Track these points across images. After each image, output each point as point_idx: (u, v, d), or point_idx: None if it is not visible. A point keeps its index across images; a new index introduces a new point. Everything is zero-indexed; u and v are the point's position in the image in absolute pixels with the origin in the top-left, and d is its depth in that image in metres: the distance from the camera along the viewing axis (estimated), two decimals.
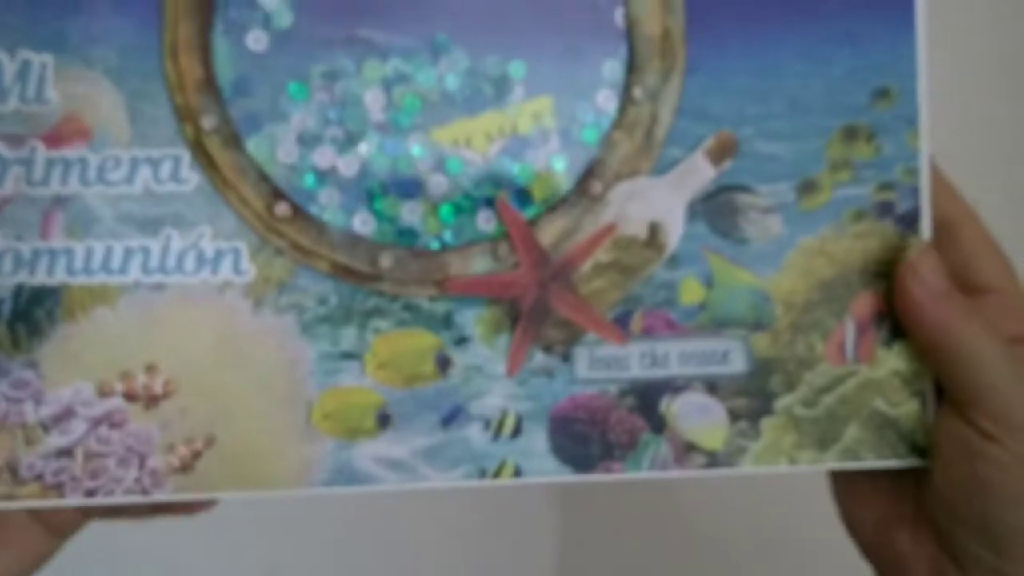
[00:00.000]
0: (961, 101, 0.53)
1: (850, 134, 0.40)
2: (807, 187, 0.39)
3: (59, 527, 0.41)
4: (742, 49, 0.39)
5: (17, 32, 0.36)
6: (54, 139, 0.37)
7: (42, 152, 0.37)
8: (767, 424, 0.39)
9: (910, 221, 0.40)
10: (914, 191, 0.40)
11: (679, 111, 0.39)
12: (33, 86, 0.37)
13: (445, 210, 0.38)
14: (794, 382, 0.39)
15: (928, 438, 0.39)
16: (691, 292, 0.39)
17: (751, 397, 0.39)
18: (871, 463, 0.39)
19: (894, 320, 0.40)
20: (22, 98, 0.36)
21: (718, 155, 0.39)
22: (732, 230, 0.39)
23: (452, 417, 0.38)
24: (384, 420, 0.38)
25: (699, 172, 0.39)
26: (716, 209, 0.39)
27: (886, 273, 0.40)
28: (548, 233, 0.38)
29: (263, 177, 0.37)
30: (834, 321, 0.40)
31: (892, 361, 0.40)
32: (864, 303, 0.40)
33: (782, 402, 0.39)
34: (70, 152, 0.37)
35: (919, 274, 0.38)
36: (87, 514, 0.39)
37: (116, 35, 0.37)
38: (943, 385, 0.38)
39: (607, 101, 0.39)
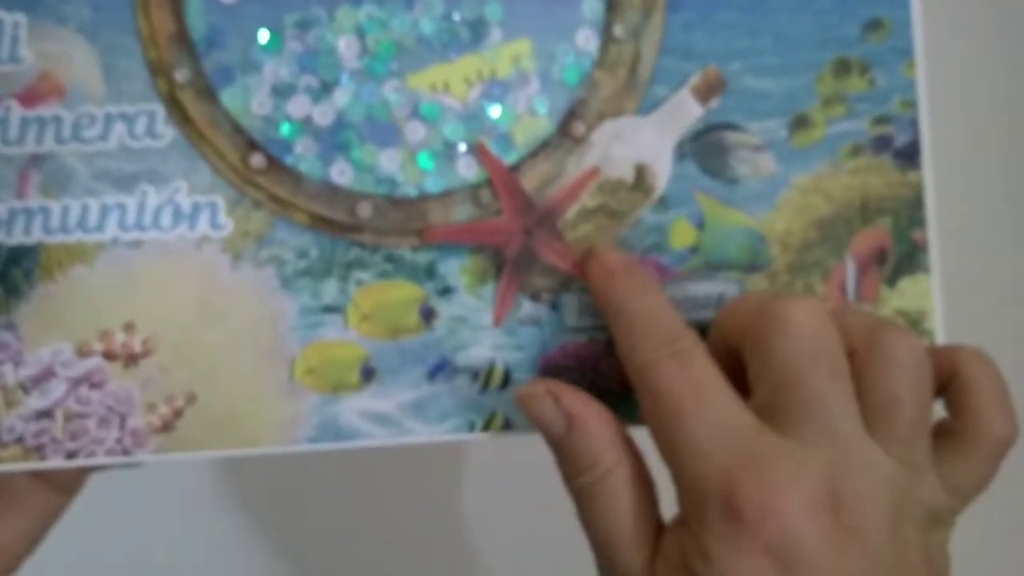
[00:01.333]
0: (955, 29, 0.51)
1: (842, 67, 0.38)
2: (799, 123, 0.37)
3: (65, 484, 0.39)
4: None
5: None
6: (28, 98, 0.36)
7: (17, 111, 0.36)
8: None
9: (909, 155, 0.38)
10: (912, 123, 0.38)
11: (663, 48, 0.37)
12: (6, 46, 0.36)
13: (424, 157, 0.37)
14: None
15: None
16: (682, 235, 0.37)
17: None
18: None
19: (897, 257, 0.38)
20: None
21: (705, 92, 0.38)
22: (723, 170, 0.37)
23: (438, 369, 0.37)
24: (369, 374, 0.36)
25: (686, 110, 0.37)
26: (705, 148, 0.37)
27: (886, 209, 0.38)
28: (531, 178, 0.37)
29: (238, 129, 0.36)
30: (833, 261, 0.38)
31: (896, 300, 0.38)
32: (864, 241, 0.38)
33: None
34: (45, 110, 0.36)
35: (596, 256, 0.35)
36: (85, 469, 0.39)
37: None
38: None
39: (587, 41, 0.37)
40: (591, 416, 0.33)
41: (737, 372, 0.33)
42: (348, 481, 0.57)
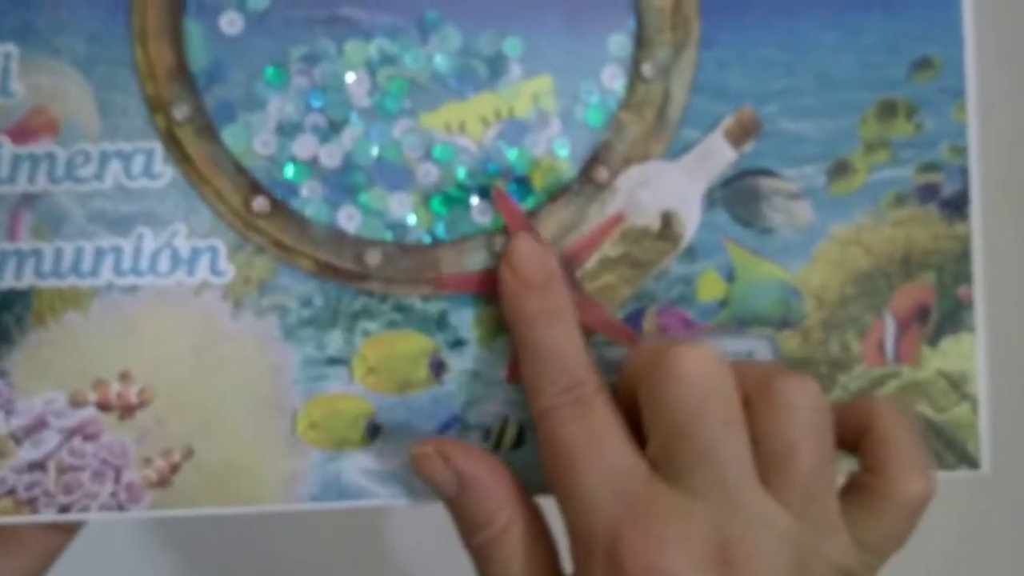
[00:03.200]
0: (1012, 70, 0.48)
1: (887, 110, 0.34)
2: (839, 169, 0.34)
3: (65, 524, 0.37)
4: (764, 18, 0.34)
5: None
6: (21, 134, 0.34)
7: (8, 148, 0.33)
8: None
9: (957, 205, 0.34)
10: (962, 171, 0.34)
11: (694, 88, 0.34)
12: None
13: (436, 202, 0.34)
14: (828, 385, 0.34)
15: (979, 446, 0.35)
16: (710, 287, 0.35)
17: None
18: None
19: (940, 315, 0.36)
20: None
21: (739, 135, 0.35)
22: (755, 218, 0.34)
23: (448, 426, 0.34)
24: (374, 430, 0.34)
25: (718, 155, 0.34)
26: (737, 195, 0.34)
27: (930, 264, 0.35)
28: (549, 225, 0.34)
29: (240, 170, 0.33)
30: (872, 317, 0.35)
31: (938, 361, 0.35)
32: (906, 297, 0.35)
33: None
34: (37, 147, 0.34)
35: (511, 260, 0.33)
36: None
37: (83, 22, 0.32)
38: None
39: (613, 79, 0.34)
40: (482, 475, 0.32)
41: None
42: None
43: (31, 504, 0.34)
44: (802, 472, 0.30)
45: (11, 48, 0.33)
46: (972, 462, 0.35)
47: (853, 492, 0.31)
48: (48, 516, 0.34)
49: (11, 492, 0.34)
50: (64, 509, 0.34)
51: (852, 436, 0.31)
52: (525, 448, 0.34)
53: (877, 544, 0.31)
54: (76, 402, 0.34)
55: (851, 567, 0.30)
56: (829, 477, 0.30)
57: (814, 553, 0.30)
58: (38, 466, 0.34)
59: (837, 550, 0.30)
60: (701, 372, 0.30)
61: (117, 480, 0.34)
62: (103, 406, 0.34)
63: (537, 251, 0.33)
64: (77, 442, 0.34)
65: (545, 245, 0.33)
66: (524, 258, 0.33)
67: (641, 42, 0.34)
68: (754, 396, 0.30)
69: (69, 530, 0.38)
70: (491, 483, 0.32)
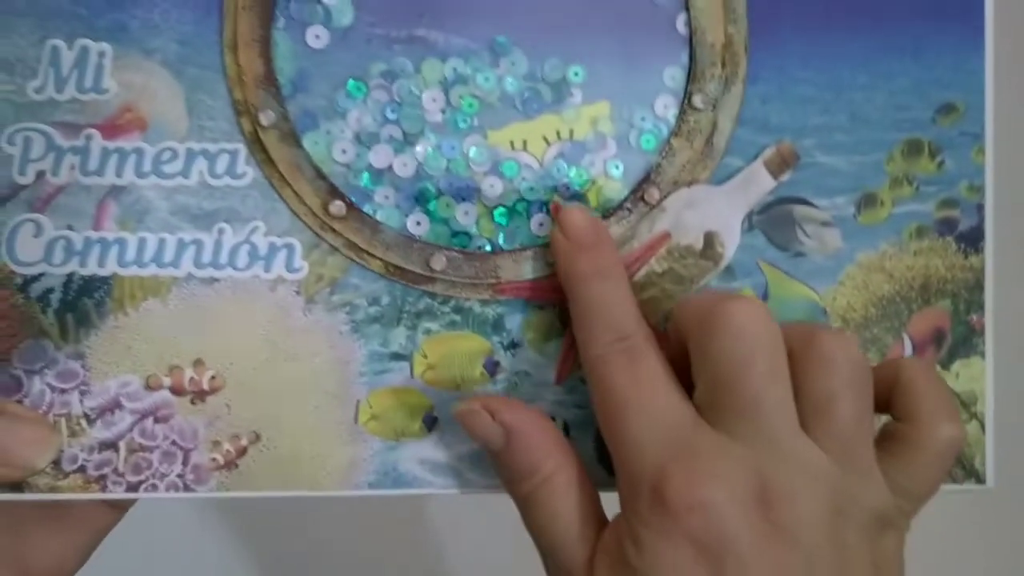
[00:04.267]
0: None
1: (913, 149, 0.37)
2: (867, 201, 0.37)
3: (118, 502, 0.39)
4: (804, 59, 0.37)
5: (76, 21, 0.34)
6: (110, 129, 0.36)
7: (98, 142, 0.35)
8: None
9: (973, 239, 0.37)
10: (978, 209, 0.37)
11: (740, 120, 0.36)
12: (91, 75, 0.36)
13: (499, 213, 0.36)
14: None
15: (985, 462, 0.38)
16: None
17: None
18: None
19: (953, 340, 0.39)
20: (79, 87, 0.34)
21: (778, 166, 0.37)
22: (789, 243, 0.37)
23: None
24: (431, 423, 0.36)
25: (758, 182, 0.37)
26: (774, 221, 0.37)
27: (946, 291, 0.39)
28: None
29: (319, 174, 0.35)
30: (892, 339, 0.37)
31: (950, 381, 0.37)
32: (922, 322, 0.37)
33: None
34: (126, 143, 0.35)
35: (564, 225, 0.34)
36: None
37: (176, 26, 0.34)
38: None
39: (666, 108, 0.36)
40: (528, 425, 0.33)
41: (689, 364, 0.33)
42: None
43: (100, 482, 0.35)
44: (841, 420, 0.31)
45: (105, 47, 0.35)
46: (978, 477, 0.38)
47: (887, 440, 0.33)
48: (117, 494, 0.35)
49: (81, 469, 0.35)
50: (132, 488, 0.35)
51: (884, 392, 0.33)
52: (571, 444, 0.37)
53: (912, 489, 0.32)
54: (150, 386, 0.35)
55: (886, 511, 0.31)
56: (867, 427, 0.32)
57: (851, 497, 0.31)
58: (109, 445, 0.35)
59: (873, 495, 0.31)
60: (750, 325, 0.31)
61: (185, 462, 0.35)
62: (176, 391, 0.35)
63: (587, 217, 0.34)
64: (149, 424, 0.35)
65: (594, 216, 0.35)
66: (576, 222, 0.34)
67: (693, 76, 0.37)
68: (798, 349, 0.32)
69: (121, 508, 0.40)
70: (536, 433, 0.34)
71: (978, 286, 0.38)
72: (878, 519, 0.31)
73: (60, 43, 0.35)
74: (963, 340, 0.38)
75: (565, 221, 0.34)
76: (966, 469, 0.37)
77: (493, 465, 0.35)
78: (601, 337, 0.33)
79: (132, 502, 0.40)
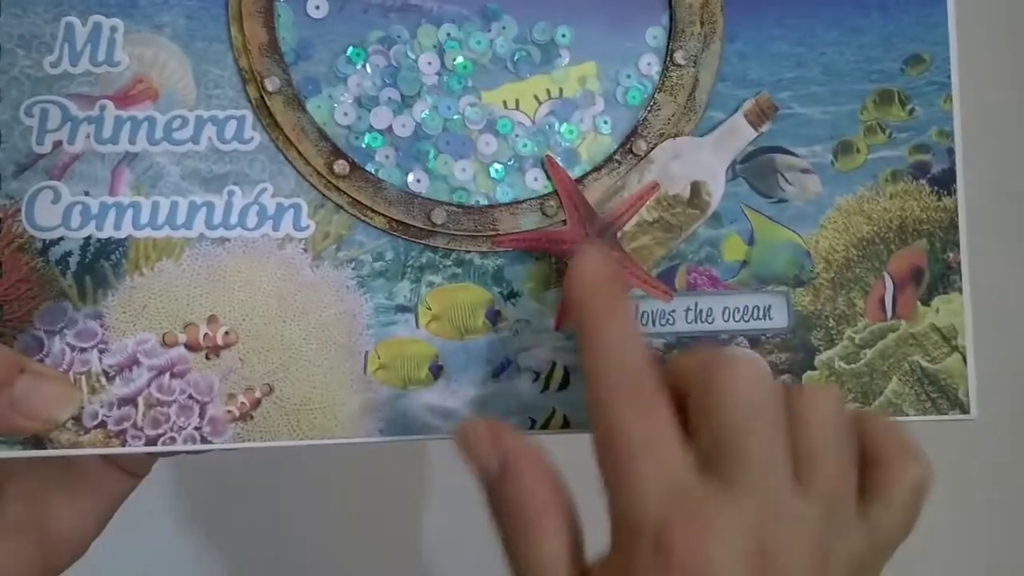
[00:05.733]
0: (992, 65, 0.54)
1: (884, 98, 0.39)
2: (844, 149, 0.38)
3: (133, 467, 0.39)
4: (778, 18, 0.38)
5: None
6: (123, 99, 0.37)
7: (112, 111, 0.36)
8: (809, 378, 0.38)
9: (944, 182, 0.39)
10: (949, 152, 0.39)
11: (719, 76, 0.38)
12: (104, 49, 0.37)
13: (495, 169, 0.38)
14: (835, 337, 0.38)
15: (969, 392, 0.40)
16: (733, 249, 0.38)
17: (793, 351, 0.38)
18: (912, 417, 0.38)
19: (932, 277, 0.40)
20: (93, 60, 0.36)
21: (757, 117, 0.38)
22: (772, 190, 0.38)
23: (502, 369, 0.37)
24: (437, 371, 0.37)
25: (740, 133, 0.38)
26: (756, 169, 0.38)
27: (922, 232, 0.40)
28: (594, 191, 0.37)
29: (323, 136, 0.36)
30: (873, 278, 0.39)
31: (931, 317, 0.38)
32: (901, 261, 0.39)
33: (824, 356, 0.38)
34: (138, 112, 0.37)
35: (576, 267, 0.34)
36: (154, 453, 0.39)
37: (184, 1, 0.36)
38: None
39: (650, 66, 0.38)
40: (524, 464, 0.33)
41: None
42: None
43: (120, 436, 0.36)
44: (830, 474, 0.32)
45: (117, 22, 0.37)
46: (963, 407, 0.39)
47: (861, 489, 0.33)
48: (136, 448, 0.36)
49: (102, 425, 0.36)
50: (151, 442, 0.36)
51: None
52: (571, 389, 0.38)
53: (887, 535, 0.33)
54: (167, 343, 0.37)
55: (865, 557, 0.33)
56: (851, 478, 0.33)
57: (836, 547, 0.32)
58: (128, 401, 0.36)
59: (856, 543, 0.32)
60: (754, 393, 0.32)
61: (202, 415, 0.37)
62: (192, 346, 0.37)
63: (600, 260, 0.34)
64: (166, 379, 0.37)
65: (608, 256, 0.34)
66: (588, 264, 0.34)
67: (674, 34, 0.39)
68: (792, 405, 0.32)
69: (136, 475, 0.41)
70: (532, 473, 0.33)
71: (952, 225, 0.39)
72: (860, 565, 0.33)
73: (74, 19, 0.37)
74: (941, 277, 0.39)
75: (580, 263, 0.34)
76: (950, 400, 0.39)
77: (484, 494, 0.34)
78: (612, 378, 0.32)
79: (148, 469, 0.41)
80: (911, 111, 0.39)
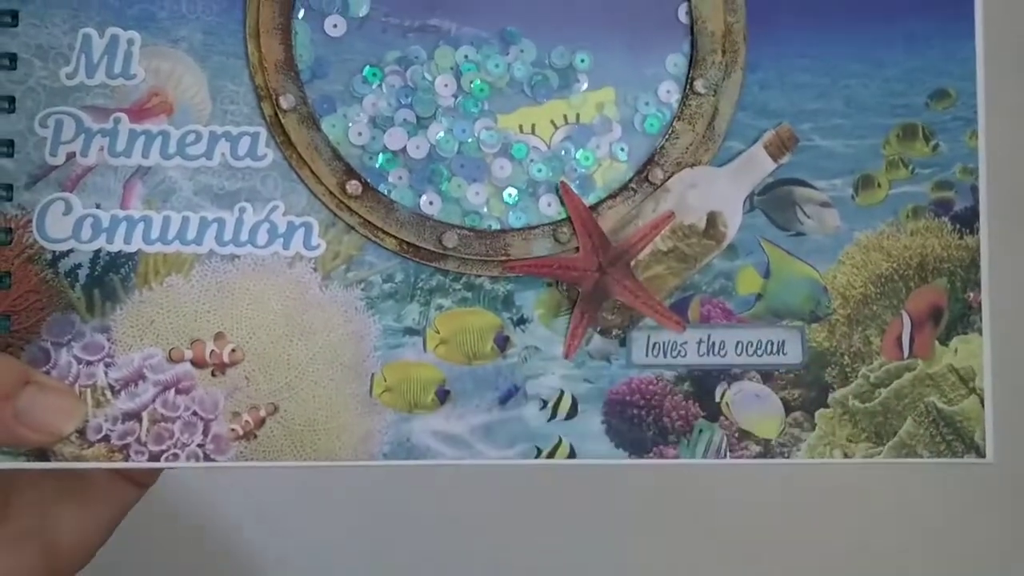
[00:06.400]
0: (1020, 101, 0.53)
1: (908, 133, 0.38)
2: (865, 183, 0.38)
3: (140, 477, 0.39)
4: (801, 48, 0.37)
5: (107, 11, 0.36)
6: (138, 113, 0.37)
7: (126, 124, 0.36)
8: (822, 415, 0.37)
9: (967, 220, 0.38)
10: (972, 190, 0.38)
11: (740, 105, 0.37)
12: (120, 62, 0.37)
13: (509, 193, 0.38)
14: (850, 375, 0.38)
15: (986, 436, 0.39)
16: (748, 282, 0.38)
17: (806, 388, 0.37)
18: (926, 459, 0.37)
19: (951, 317, 0.39)
20: (109, 73, 0.36)
21: (777, 148, 0.37)
22: (790, 222, 0.38)
23: (510, 395, 0.37)
24: (444, 396, 0.36)
25: (759, 165, 0.37)
26: (774, 202, 0.38)
27: (942, 270, 0.39)
28: (609, 219, 0.37)
29: (336, 156, 0.36)
30: (890, 316, 0.38)
31: (949, 357, 0.38)
32: (920, 299, 0.38)
33: (837, 394, 0.37)
34: (152, 126, 0.36)
35: None
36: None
37: (202, 16, 0.36)
38: None
39: (669, 93, 0.37)
40: None
41: None
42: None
43: (123, 451, 0.36)
44: None
45: (134, 35, 0.37)
46: (979, 451, 0.38)
47: None
48: (139, 463, 0.36)
49: (105, 439, 0.36)
50: (154, 458, 0.36)
51: None
52: (578, 418, 0.37)
53: None
54: (173, 358, 0.36)
55: None
56: None
57: None
58: (132, 416, 0.36)
59: None
60: None
61: (206, 432, 0.36)
62: (198, 363, 0.36)
63: None
64: (171, 395, 0.36)
65: None
66: None
67: (695, 62, 0.38)
68: None
69: (142, 484, 0.41)
70: None
71: (973, 264, 0.38)
72: None
73: (92, 31, 0.36)
74: (960, 317, 0.38)
75: None
76: (966, 443, 0.38)
77: None
78: None
79: (154, 479, 0.41)
80: (935, 147, 0.38)
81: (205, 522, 0.59)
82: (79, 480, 0.40)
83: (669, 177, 0.38)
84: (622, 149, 0.38)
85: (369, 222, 0.37)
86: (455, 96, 0.37)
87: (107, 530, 0.40)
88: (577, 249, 0.37)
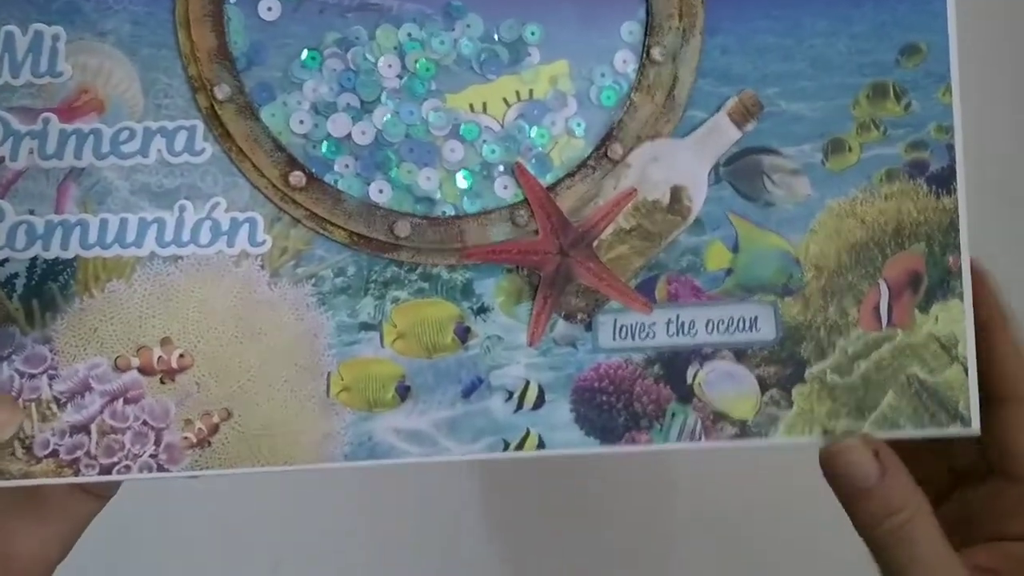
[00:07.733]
0: (993, 56, 0.51)
1: (878, 92, 0.36)
2: (834, 147, 0.36)
3: (99, 490, 0.37)
4: (763, 8, 0.35)
5: (30, 6, 0.34)
6: (67, 112, 0.35)
7: (55, 125, 0.34)
8: (799, 392, 0.36)
9: (943, 180, 0.36)
10: (948, 149, 0.36)
11: (700, 72, 0.35)
12: (45, 59, 0.35)
13: (462, 177, 0.36)
14: (826, 348, 0.36)
15: (971, 405, 0.37)
16: (717, 257, 0.36)
17: (782, 364, 0.36)
18: (910, 432, 0.36)
19: (930, 283, 0.38)
20: (34, 71, 0.34)
21: (742, 116, 0.35)
22: (758, 193, 0.36)
23: (473, 388, 0.35)
24: (404, 392, 0.35)
25: (723, 134, 0.35)
26: (741, 171, 0.36)
27: (920, 234, 0.37)
28: (568, 198, 0.35)
29: (278, 146, 0.34)
30: (867, 285, 0.36)
31: (930, 325, 0.36)
32: (898, 266, 0.36)
33: (814, 369, 0.36)
34: (83, 124, 0.34)
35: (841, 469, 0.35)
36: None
37: (129, 7, 0.34)
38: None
39: (626, 63, 0.35)
40: (899, 464, 0.35)
41: None
42: None
43: (72, 466, 0.34)
44: None
45: (59, 30, 0.35)
46: (964, 420, 0.37)
47: None
48: (90, 477, 0.35)
49: (53, 454, 0.34)
50: (105, 471, 0.34)
51: None
52: (546, 408, 0.36)
53: None
54: (119, 367, 0.35)
55: None
56: None
57: None
58: (80, 429, 0.34)
59: None
60: None
61: (158, 442, 0.35)
62: (145, 370, 0.35)
63: (865, 455, 0.35)
64: (119, 405, 0.35)
65: (867, 446, 0.35)
66: (854, 465, 0.35)
67: (651, 29, 0.36)
68: None
69: (101, 496, 0.39)
70: (904, 472, 0.35)
71: (952, 227, 0.37)
72: None
73: (14, 29, 0.34)
74: (940, 283, 0.37)
75: (841, 468, 0.35)
76: (950, 413, 0.36)
77: (849, 503, 0.35)
78: None
79: (113, 491, 0.39)
80: (907, 105, 0.36)
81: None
82: (34, 495, 0.38)
83: (629, 152, 0.36)
84: (579, 124, 0.36)
85: (316, 214, 0.35)
86: (400, 77, 0.35)
87: (66, 544, 0.38)
88: (536, 232, 0.35)
